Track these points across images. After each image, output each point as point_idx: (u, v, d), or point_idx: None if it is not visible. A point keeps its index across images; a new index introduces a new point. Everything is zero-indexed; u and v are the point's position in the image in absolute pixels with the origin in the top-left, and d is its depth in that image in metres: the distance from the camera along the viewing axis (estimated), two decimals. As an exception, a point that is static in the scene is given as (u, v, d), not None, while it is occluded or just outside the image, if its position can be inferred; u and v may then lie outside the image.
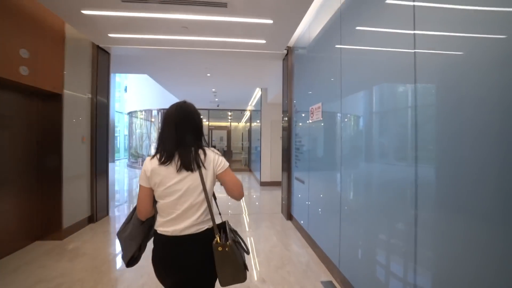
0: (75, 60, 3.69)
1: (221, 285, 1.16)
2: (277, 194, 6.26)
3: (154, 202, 1.19)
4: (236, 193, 1.21)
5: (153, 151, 11.84)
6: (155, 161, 1.14)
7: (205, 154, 1.18)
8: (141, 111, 11.88)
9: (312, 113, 3.13)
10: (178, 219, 1.13)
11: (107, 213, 4.44)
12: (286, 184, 4.36)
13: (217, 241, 1.12)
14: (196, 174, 1.14)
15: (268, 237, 3.56)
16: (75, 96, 3.69)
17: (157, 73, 6.38)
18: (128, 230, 1.23)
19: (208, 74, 6.11)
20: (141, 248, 1.26)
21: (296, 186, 3.94)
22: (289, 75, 4.31)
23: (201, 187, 1.14)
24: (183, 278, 1.14)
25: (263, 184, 7.49)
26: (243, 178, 9.59)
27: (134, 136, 12.58)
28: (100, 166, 4.26)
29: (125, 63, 5.47)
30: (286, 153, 4.41)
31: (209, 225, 1.17)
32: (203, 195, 1.15)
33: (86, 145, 3.97)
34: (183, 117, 1.19)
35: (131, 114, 12.59)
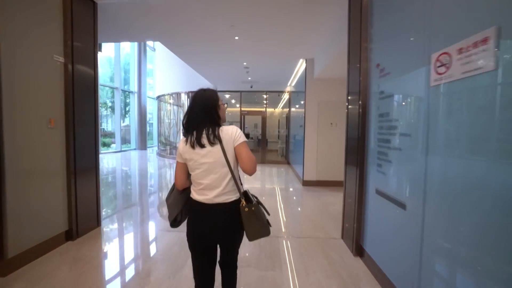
0: (28, 2, 2.42)
1: (249, 240, 1.34)
2: (328, 202, 4.59)
3: (189, 175, 1.39)
4: (247, 167, 1.30)
5: (180, 138, 10.92)
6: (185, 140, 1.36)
7: (219, 130, 1.33)
8: (169, 94, 10.91)
9: (447, 63, 1.39)
10: (206, 189, 1.32)
11: (98, 224, 3.28)
12: (354, 195, 2.67)
13: (243, 203, 1.31)
14: (217, 149, 1.30)
15: (328, 298, 2.01)
16: (30, 58, 2.44)
17: (170, 38, 5.00)
18: (172, 197, 1.45)
19: (236, 37, 4.56)
20: (182, 213, 1.44)
21: (378, 206, 2.26)
22: (364, 18, 2.53)
23: (223, 159, 1.30)
24: (211, 240, 1.36)
25: (306, 183, 5.86)
26: (279, 172, 8.04)
27: (162, 123, 11.78)
28: (83, 161, 3.04)
29: (127, 25, 4.17)
30: (354, 146, 2.69)
31: (236, 196, 1.34)
32: (227, 167, 1.30)
33: (58, 132, 2.76)
34: (197, 103, 1.37)
35: (159, 98, 11.74)
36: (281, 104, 11.15)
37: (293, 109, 8.90)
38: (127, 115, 16.37)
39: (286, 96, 9.95)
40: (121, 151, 13.79)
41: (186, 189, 1.42)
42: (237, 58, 6.03)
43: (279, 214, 3.92)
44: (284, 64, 6.51)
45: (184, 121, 1.38)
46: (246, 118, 10.42)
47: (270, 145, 11.34)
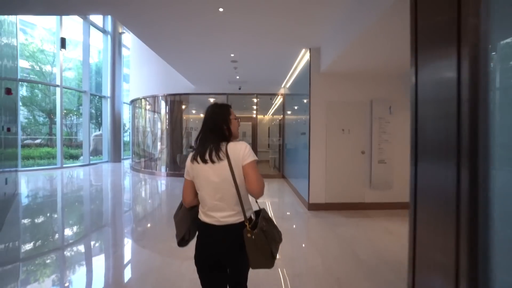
0: None
1: (251, 267, 1.24)
2: (350, 237, 3.27)
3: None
4: (255, 189, 1.25)
5: (159, 149, 9.38)
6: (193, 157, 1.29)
7: (227, 146, 1.26)
8: (144, 98, 9.43)
9: None
10: (213, 210, 1.25)
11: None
12: (452, 220, 1.36)
13: (247, 228, 1.21)
14: (224, 166, 1.22)
15: None
16: None
17: (129, 13, 3.60)
18: (180, 214, 1.37)
19: (221, 9, 3.28)
20: (190, 232, 1.36)
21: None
22: None
23: (230, 178, 1.22)
24: (218, 262, 1.28)
25: (313, 207, 4.54)
26: (272, 188, 6.69)
27: (137, 131, 10.22)
28: None
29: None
30: (442, 142, 1.41)
31: (241, 218, 1.26)
32: (234, 187, 1.23)
33: None
34: (207, 118, 1.34)
35: (133, 103, 10.21)
36: (272, 110, 9.94)
37: (288, 113, 7.68)
38: (100, 123, 14.61)
39: (279, 100, 8.75)
40: (89, 164, 12.00)
41: (194, 206, 1.36)
42: (223, 46, 4.75)
43: (276, 267, 2.55)
44: (280, 56, 5.30)
45: (197, 138, 1.35)
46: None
47: (260, 156, 10.01)
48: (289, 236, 3.29)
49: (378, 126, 4.51)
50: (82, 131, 12.33)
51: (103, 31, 13.48)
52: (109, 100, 13.47)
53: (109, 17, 13.50)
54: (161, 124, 9.17)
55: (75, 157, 12.59)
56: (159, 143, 9.23)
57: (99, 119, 14.26)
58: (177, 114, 9.00)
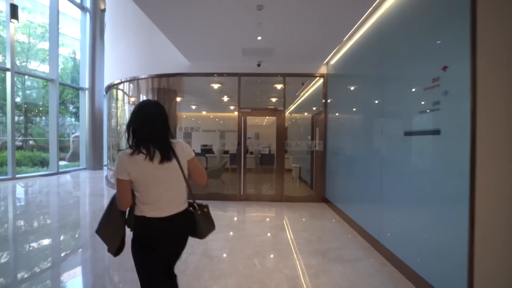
0: None
1: (201, 238, 1.48)
2: None
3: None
4: (203, 179, 1.49)
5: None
6: (134, 155, 1.27)
7: (175, 145, 1.37)
8: (122, 82, 6.70)
9: None
10: (164, 204, 1.33)
11: None
12: None
13: (196, 209, 1.46)
14: (174, 163, 1.34)
15: None
16: None
17: None
18: (110, 225, 1.35)
19: None
20: (123, 238, 1.39)
21: None
22: None
23: (181, 174, 1.36)
24: (174, 248, 1.43)
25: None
26: (314, 229, 3.90)
27: (111, 127, 7.51)
28: None
29: None
30: None
31: (186, 205, 1.44)
32: (184, 182, 1.39)
33: None
34: (158, 114, 1.35)
35: (109, 91, 7.49)
36: (300, 100, 7.13)
37: (335, 103, 4.90)
38: (76, 121, 11.96)
39: (315, 85, 5.98)
40: (57, 173, 9.30)
41: (124, 211, 1.37)
42: None
43: None
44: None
45: (132, 132, 1.31)
46: (249, 123, 6.24)
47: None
48: None
49: None
50: (50, 131, 9.63)
51: (81, 7, 10.84)
52: (87, 92, 10.79)
53: (88, -12, 10.88)
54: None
55: (46, 164, 9.92)
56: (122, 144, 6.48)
57: (75, 115, 11.61)
58: (166, 106, 6.23)
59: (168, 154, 1.32)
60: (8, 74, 7.68)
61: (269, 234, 3.61)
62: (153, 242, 1.34)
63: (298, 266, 2.67)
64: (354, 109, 3.98)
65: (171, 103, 6.28)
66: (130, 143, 1.32)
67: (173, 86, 6.20)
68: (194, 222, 1.45)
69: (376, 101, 3.18)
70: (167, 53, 5.49)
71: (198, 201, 1.50)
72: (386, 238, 2.87)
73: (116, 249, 1.37)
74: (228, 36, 4.23)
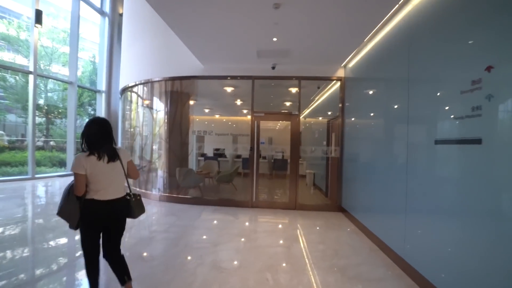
0: None
1: (134, 218, 2.07)
2: None
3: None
4: (136, 175, 2.13)
5: (148, 159, 6.58)
6: (89, 156, 1.81)
7: (119, 150, 1.98)
8: (137, 85, 6.74)
9: None
10: (109, 191, 1.89)
11: None
12: None
13: (131, 197, 2.04)
14: (118, 163, 1.94)
15: None
16: None
17: None
18: (69, 207, 1.83)
19: None
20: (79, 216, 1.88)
21: None
22: None
23: (122, 171, 1.97)
24: (113, 224, 1.96)
25: None
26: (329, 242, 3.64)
27: (125, 130, 7.55)
28: None
29: None
30: None
31: (124, 192, 2.02)
32: (123, 176, 2.00)
33: None
34: (106, 128, 1.91)
35: (124, 94, 7.58)
36: (314, 104, 6.91)
37: (352, 108, 4.65)
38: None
39: (331, 88, 5.75)
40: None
41: (78, 197, 1.84)
42: None
43: None
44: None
45: (86, 140, 1.84)
46: (263, 127, 6.07)
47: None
48: None
49: None
50: (67, 132, 9.88)
51: (101, 12, 11.16)
52: (103, 95, 11.04)
53: (107, -6, 11.20)
54: (155, 123, 6.41)
55: (64, 164, 10.17)
56: (152, 150, 6.46)
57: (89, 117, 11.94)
58: (179, 109, 6.21)
59: (113, 156, 1.90)
60: (31, 77, 7.94)
61: (282, 246, 3.40)
62: (97, 218, 1.88)
63: (314, 284, 2.45)
64: (375, 114, 3.74)
65: (184, 106, 6.24)
66: (83, 148, 1.85)
67: (186, 89, 6.16)
68: (129, 206, 2.02)
69: (400, 106, 2.93)
70: (181, 55, 5.46)
71: (133, 192, 2.07)
72: (411, 255, 2.60)
73: (76, 225, 1.86)
74: (243, 37, 4.11)
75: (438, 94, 2.31)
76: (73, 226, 1.85)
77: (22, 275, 2.48)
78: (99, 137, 1.85)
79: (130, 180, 2.12)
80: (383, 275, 2.65)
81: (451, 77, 2.16)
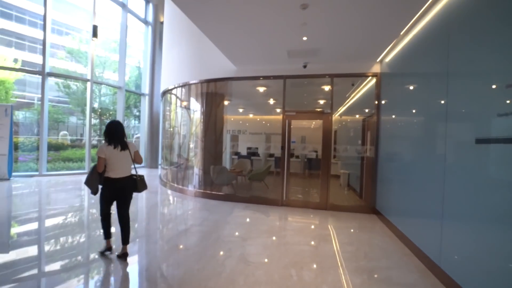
0: None
1: (139, 192, 2.97)
2: None
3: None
4: (141, 161, 2.98)
5: (185, 157, 7.02)
6: (108, 146, 2.71)
7: (129, 143, 2.86)
8: (175, 88, 7.24)
9: None
10: (120, 172, 2.77)
11: None
12: None
13: (137, 177, 2.93)
14: (127, 152, 2.80)
15: None
16: None
17: None
18: (93, 178, 2.73)
19: None
20: (98, 186, 2.80)
21: None
22: None
23: (129, 157, 2.83)
24: (122, 194, 2.84)
25: None
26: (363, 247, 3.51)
27: (165, 130, 8.15)
28: None
29: None
30: None
31: (131, 173, 2.90)
32: (131, 161, 2.86)
33: None
34: (118, 127, 2.79)
35: (164, 96, 8.18)
36: (350, 101, 6.68)
37: (389, 105, 4.42)
38: (139, 123, 13.38)
39: (369, 84, 5.51)
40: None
41: (99, 173, 2.74)
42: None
43: None
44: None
45: (106, 135, 2.75)
46: (295, 126, 6.08)
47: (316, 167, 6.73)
48: None
49: None
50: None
51: (145, 22, 12.15)
52: (147, 97, 12.01)
53: (150, 5, 12.14)
54: (192, 123, 6.82)
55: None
56: (189, 149, 6.89)
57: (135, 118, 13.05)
58: (213, 109, 6.51)
59: (124, 147, 2.77)
60: (88, 84, 9.02)
61: (310, 244, 3.41)
62: (111, 189, 2.77)
63: (339, 283, 2.44)
64: (412, 111, 3.52)
65: (219, 106, 6.53)
66: (105, 140, 2.73)
67: (221, 90, 6.43)
68: (135, 183, 2.91)
69: (439, 102, 2.73)
70: (215, 59, 5.73)
71: (139, 173, 2.97)
72: (447, 262, 2.43)
73: (95, 191, 2.78)
74: (273, 39, 4.18)
75: (481, 88, 2.12)
76: (93, 192, 2.76)
77: (79, 257, 2.90)
78: (113, 133, 2.73)
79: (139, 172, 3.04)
80: (415, 281, 2.51)
81: (497, 70, 1.97)
